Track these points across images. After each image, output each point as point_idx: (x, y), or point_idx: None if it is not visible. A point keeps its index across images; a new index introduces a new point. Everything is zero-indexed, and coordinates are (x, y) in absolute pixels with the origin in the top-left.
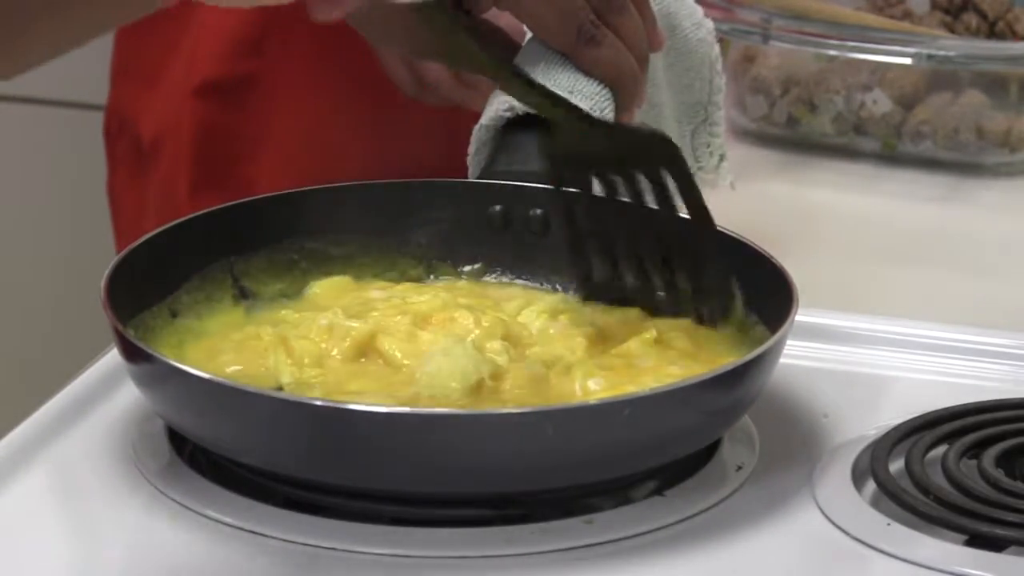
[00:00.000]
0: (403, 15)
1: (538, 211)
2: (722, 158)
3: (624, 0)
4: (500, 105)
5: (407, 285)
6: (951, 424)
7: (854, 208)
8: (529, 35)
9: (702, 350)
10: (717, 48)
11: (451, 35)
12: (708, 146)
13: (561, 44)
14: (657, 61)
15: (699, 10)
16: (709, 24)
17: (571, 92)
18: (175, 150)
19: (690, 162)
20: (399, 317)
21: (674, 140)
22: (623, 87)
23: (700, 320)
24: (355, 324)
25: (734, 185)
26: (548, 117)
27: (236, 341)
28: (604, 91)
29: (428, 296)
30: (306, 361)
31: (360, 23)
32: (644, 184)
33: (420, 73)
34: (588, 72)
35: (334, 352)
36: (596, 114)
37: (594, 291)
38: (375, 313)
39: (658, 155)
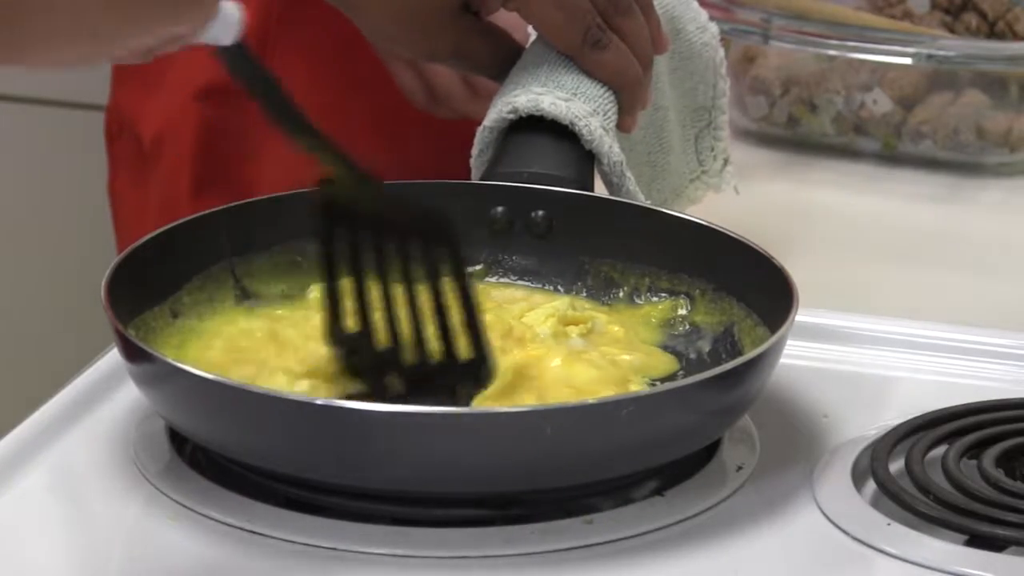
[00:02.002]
0: (421, 17)
1: (541, 213)
2: (726, 162)
3: (629, 3)
4: (503, 107)
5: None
6: (951, 424)
7: (854, 208)
8: (533, 37)
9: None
10: (721, 52)
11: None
12: (712, 150)
13: (567, 46)
14: (661, 65)
15: (703, 14)
16: (714, 28)
17: (575, 94)
18: (176, 152)
19: (694, 166)
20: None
21: (676, 144)
22: (627, 90)
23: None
24: None
25: (738, 190)
26: (329, 169)
27: (229, 339)
28: (608, 94)
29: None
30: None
31: (372, 30)
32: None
33: (431, 84)
34: (592, 75)
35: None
36: (600, 117)
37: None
38: (377, 313)
39: (432, 231)
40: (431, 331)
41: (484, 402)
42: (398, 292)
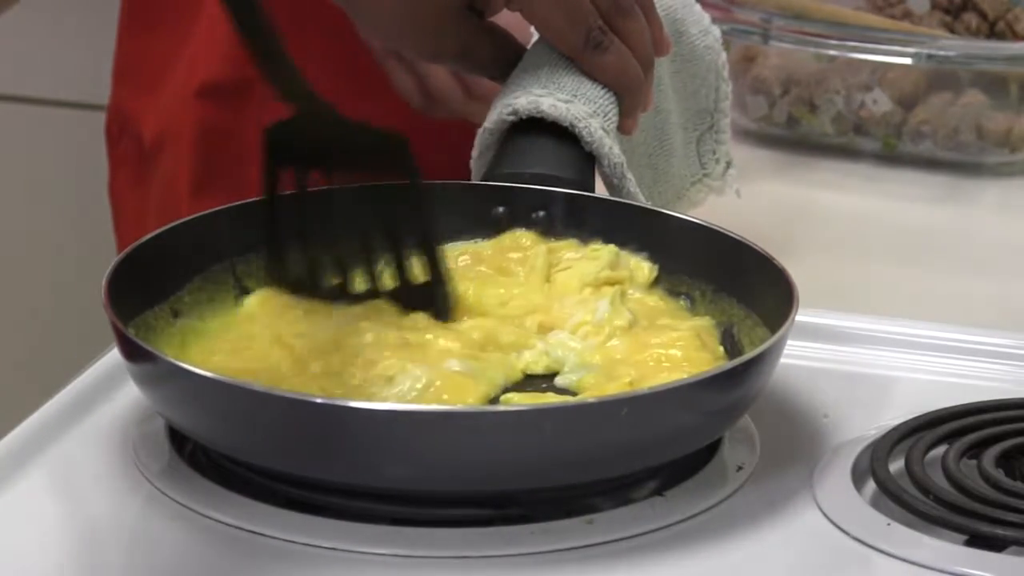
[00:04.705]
0: (426, 17)
1: (541, 213)
2: (728, 164)
3: (631, 5)
4: (504, 109)
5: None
6: (951, 424)
7: (854, 208)
8: (535, 37)
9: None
10: (724, 55)
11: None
12: (714, 152)
13: (568, 48)
14: (664, 67)
15: (706, 17)
16: (716, 31)
17: (575, 96)
18: (177, 152)
19: (696, 169)
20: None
21: (678, 147)
22: (628, 92)
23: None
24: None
25: (739, 193)
26: (291, 101)
27: (231, 340)
28: (609, 96)
29: None
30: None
31: (376, 30)
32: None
33: (428, 86)
34: (593, 77)
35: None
36: (600, 119)
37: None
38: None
39: (390, 157)
40: (385, 261)
41: (584, 392)
42: (351, 228)
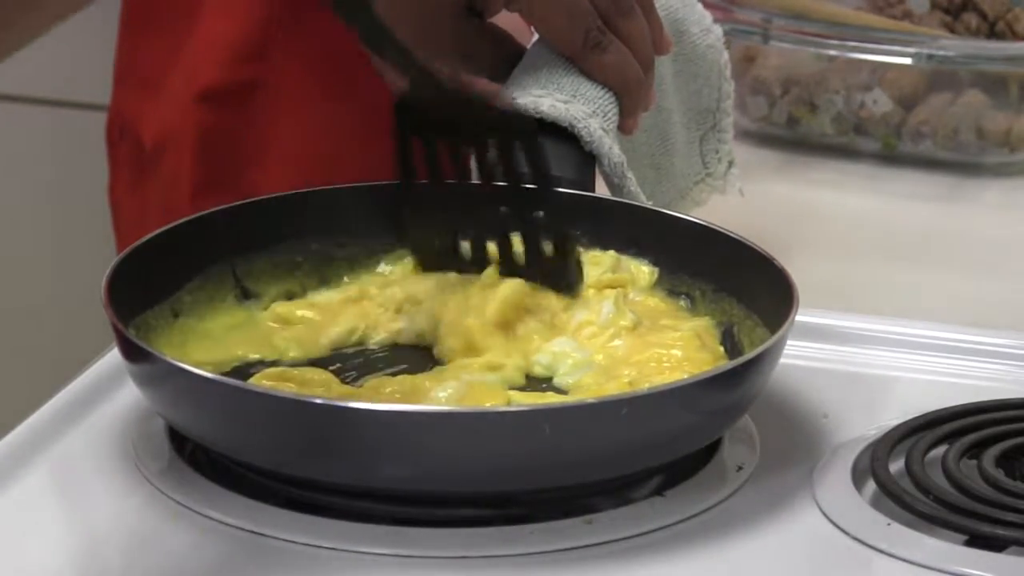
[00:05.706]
0: (426, 18)
1: (541, 213)
2: (731, 164)
3: (631, 5)
4: None
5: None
6: (951, 424)
7: (854, 208)
8: (535, 38)
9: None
10: (726, 54)
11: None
12: (717, 152)
13: (567, 48)
14: (665, 67)
15: (708, 16)
16: (718, 30)
17: (574, 96)
18: (177, 156)
19: (698, 168)
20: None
21: (680, 147)
22: (628, 92)
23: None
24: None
25: (743, 192)
26: (406, 74)
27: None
28: (608, 96)
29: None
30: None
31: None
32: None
33: None
34: (593, 77)
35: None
36: (599, 119)
37: (431, 258)
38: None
39: (514, 129)
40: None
41: (583, 392)
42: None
